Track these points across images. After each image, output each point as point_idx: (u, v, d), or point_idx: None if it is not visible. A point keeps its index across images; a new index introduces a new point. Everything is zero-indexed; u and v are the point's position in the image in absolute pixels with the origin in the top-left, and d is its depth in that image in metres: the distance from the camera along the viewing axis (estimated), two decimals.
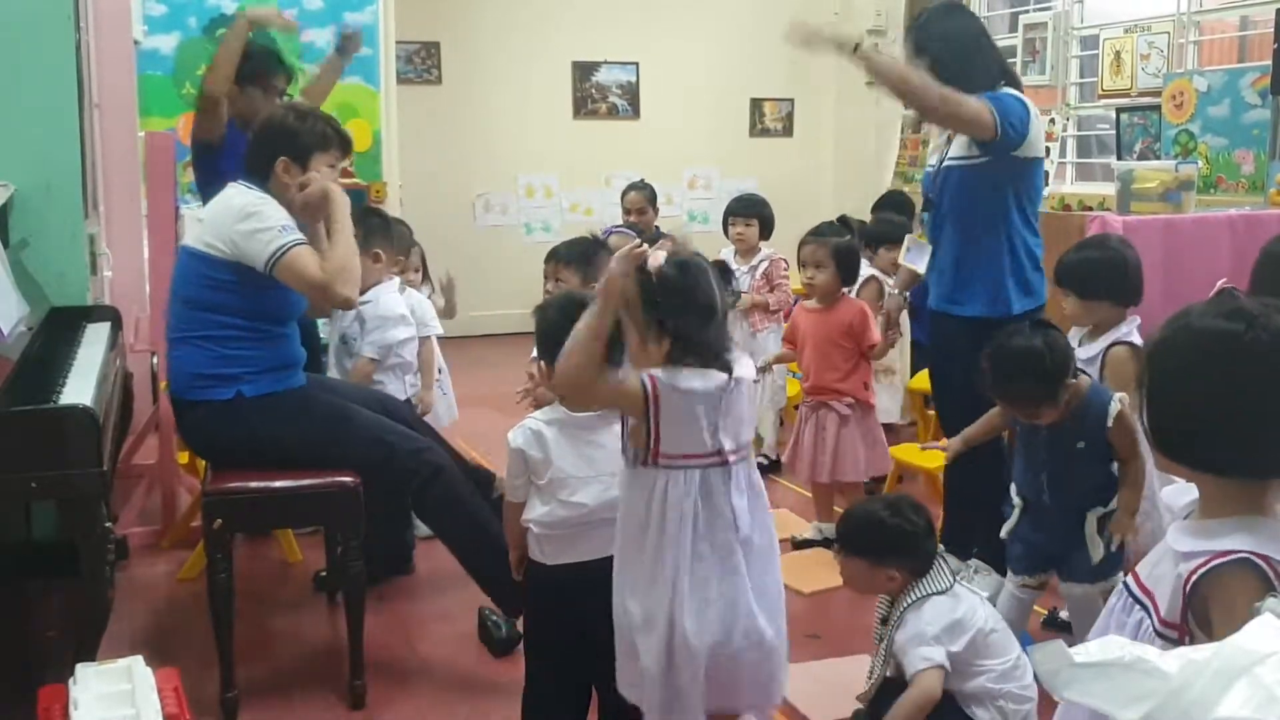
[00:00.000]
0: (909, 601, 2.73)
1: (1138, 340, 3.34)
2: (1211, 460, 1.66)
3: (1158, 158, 6.40)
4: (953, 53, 3.62)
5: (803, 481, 4.48)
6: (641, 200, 6.23)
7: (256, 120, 4.11)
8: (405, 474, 3.26)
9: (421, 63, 8.67)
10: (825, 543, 4.37)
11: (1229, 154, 6.17)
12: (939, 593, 2.73)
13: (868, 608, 3.89)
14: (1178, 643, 1.67)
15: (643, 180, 6.46)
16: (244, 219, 3.11)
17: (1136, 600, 1.75)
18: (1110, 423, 3.02)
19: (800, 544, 4.37)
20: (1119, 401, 3.03)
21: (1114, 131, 6.99)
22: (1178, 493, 1.87)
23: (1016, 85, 3.74)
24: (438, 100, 8.65)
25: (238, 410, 3.15)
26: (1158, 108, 6.58)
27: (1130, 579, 1.77)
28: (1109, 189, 5.84)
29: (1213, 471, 1.67)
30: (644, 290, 2.28)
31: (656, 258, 2.28)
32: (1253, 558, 1.58)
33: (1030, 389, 2.99)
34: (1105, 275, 3.40)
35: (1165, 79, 6.56)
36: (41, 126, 3.76)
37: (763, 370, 4.69)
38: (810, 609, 3.81)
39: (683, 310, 2.30)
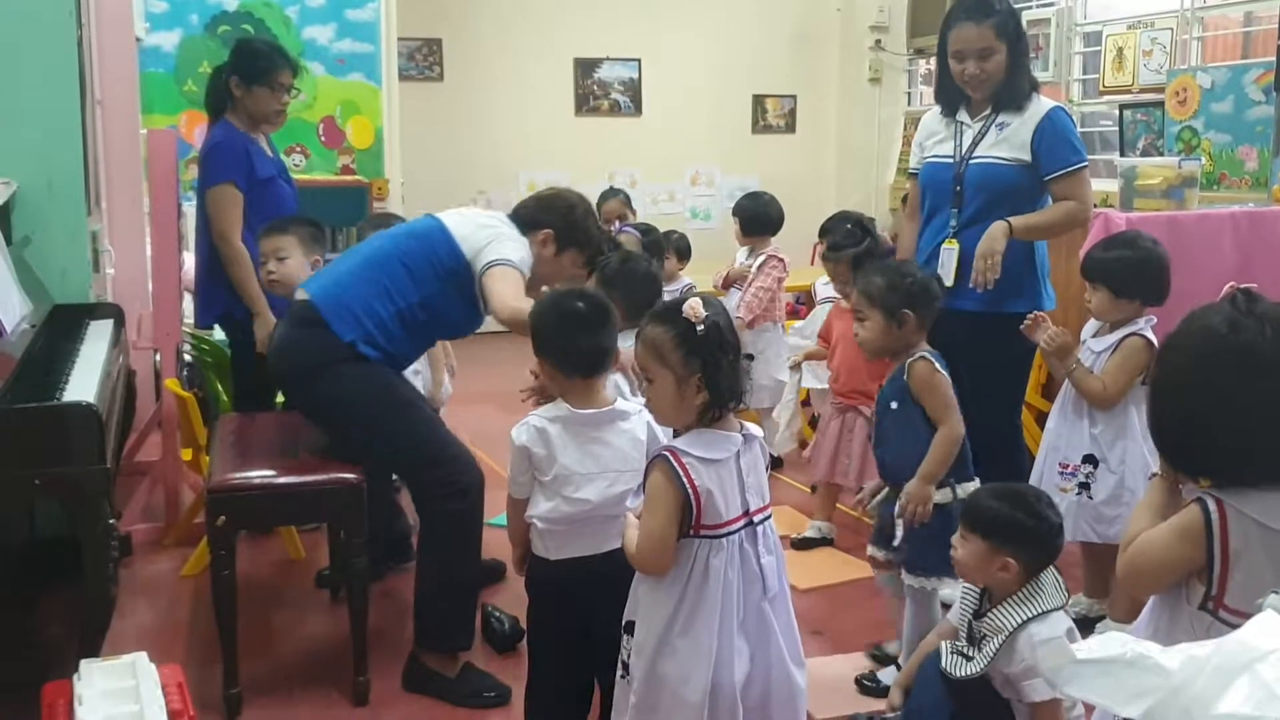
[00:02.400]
0: (1030, 611, 2.57)
1: (1152, 336, 3.37)
2: (1209, 467, 1.66)
3: (1161, 154, 6.39)
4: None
5: (818, 480, 4.46)
6: (620, 207, 6.16)
7: (268, 118, 4.25)
8: (442, 483, 3.21)
9: (423, 60, 8.67)
10: (825, 541, 4.41)
11: (1232, 150, 6.16)
12: (1058, 608, 2.59)
13: (867, 604, 3.91)
14: None
15: (612, 188, 6.36)
16: (504, 238, 3.30)
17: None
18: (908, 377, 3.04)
19: (800, 543, 4.37)
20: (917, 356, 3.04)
21: (1117, 128, 6.99)
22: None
23: (951, 110, 3.83)
24: (440, 97, 8.65)
25: (340, 353, 3.20)
26: (1161, 104, 6.57)
27: None
28: (1112, 186, 5.82)
29: (1211, 478, 1.67)
30: (685, 342, 2.28)
31: (697, 308, 2.27)
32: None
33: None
34: (1141, 274, 3.43)
35: (1168, 75, 6.56)
36: (44, 124, 3.77)
37: (794, 368, 4.68)
38: (811, 606, 3.81)
39: (721, 357, 2.30)
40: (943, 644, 2.72)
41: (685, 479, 2.24)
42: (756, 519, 2.34)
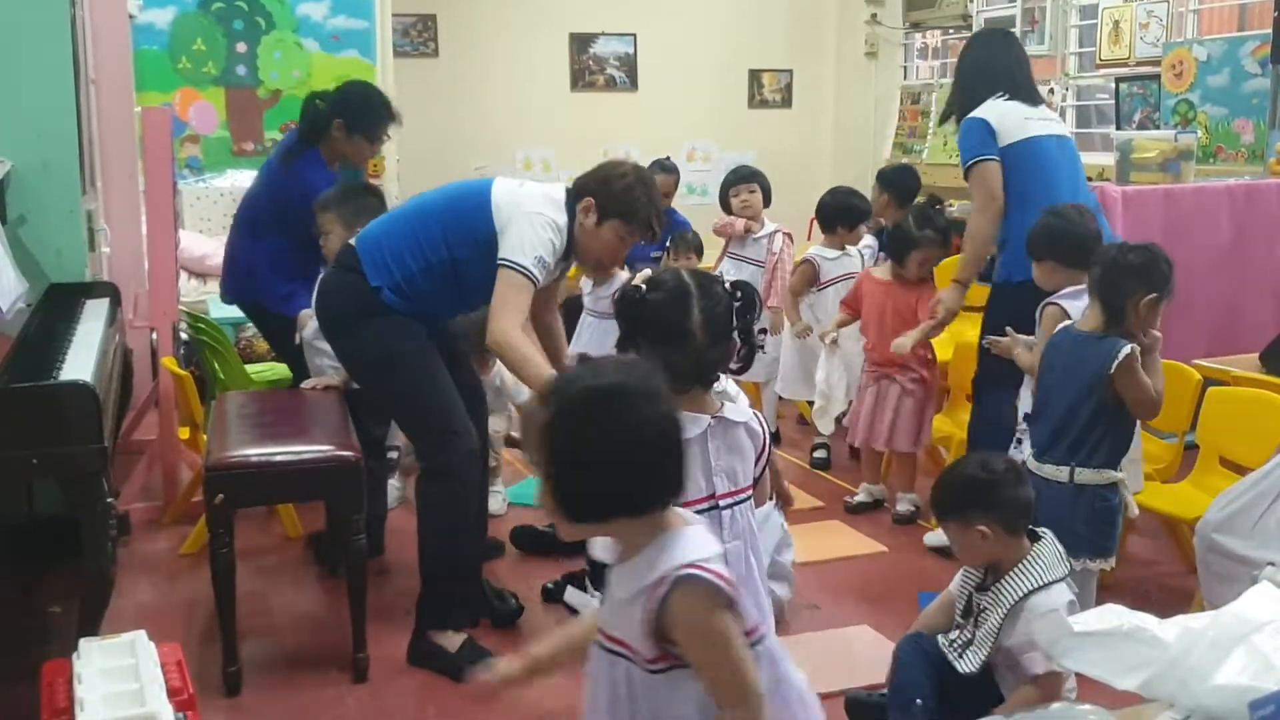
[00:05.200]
0: (1032, 582, 2.58)
1: (1065, 304, 3.48)
2: (615, 508, 1.70)
3: (1157, 127, 6.37)
4: (967, 74, 4.29)
5: (859, 442, 4.59)
6: (666, 182, 5.98)
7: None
8: (426, 457, 3.30)
9: (418, 35, 8.63)
10: (876, 504, 4.58)
11: (1228, 123, 6.14)
12: (1060, 579, 2.61)
13: (865, 578, 3.92)
14: (666, 672, 1.71)
15: (658, 160, 6.22)
16: (531, 218, 3.17)
17: (615, 653, 1.76)
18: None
19: (854, 508, 4.54)
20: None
21: (1113, 101, 6.96)
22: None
23: (1024, 96, 4.17)
24: (435, 73, 8.61)
25: (368, 300, 3.21)
26: (1157, 77, 6.54)
27: (600, 638, 1.80)
28: (1108, 159, 5.82)
29: (622, 515, 1.71)
30: (627, 323, 2.36)
31: (642, 277, 2.36)
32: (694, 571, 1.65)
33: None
34: (1051, 240, 3.60)
35: (1164, 48, 6.53)
36: (38, 103, 3.76)
37: (833, 341, 4.66)
38: (809, 580, 3.82)
39: (645, 333, 2.35)
40: (940, 639, 2.72)
41: None
42: (723, 503, 2.33)
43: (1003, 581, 2.62)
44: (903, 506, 4.46)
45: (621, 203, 3.22)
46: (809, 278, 5.16)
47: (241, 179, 6.49)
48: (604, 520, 1.72)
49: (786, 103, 9.66)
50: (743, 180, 5.46)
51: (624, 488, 1.68)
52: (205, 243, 6.27)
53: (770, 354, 5.11)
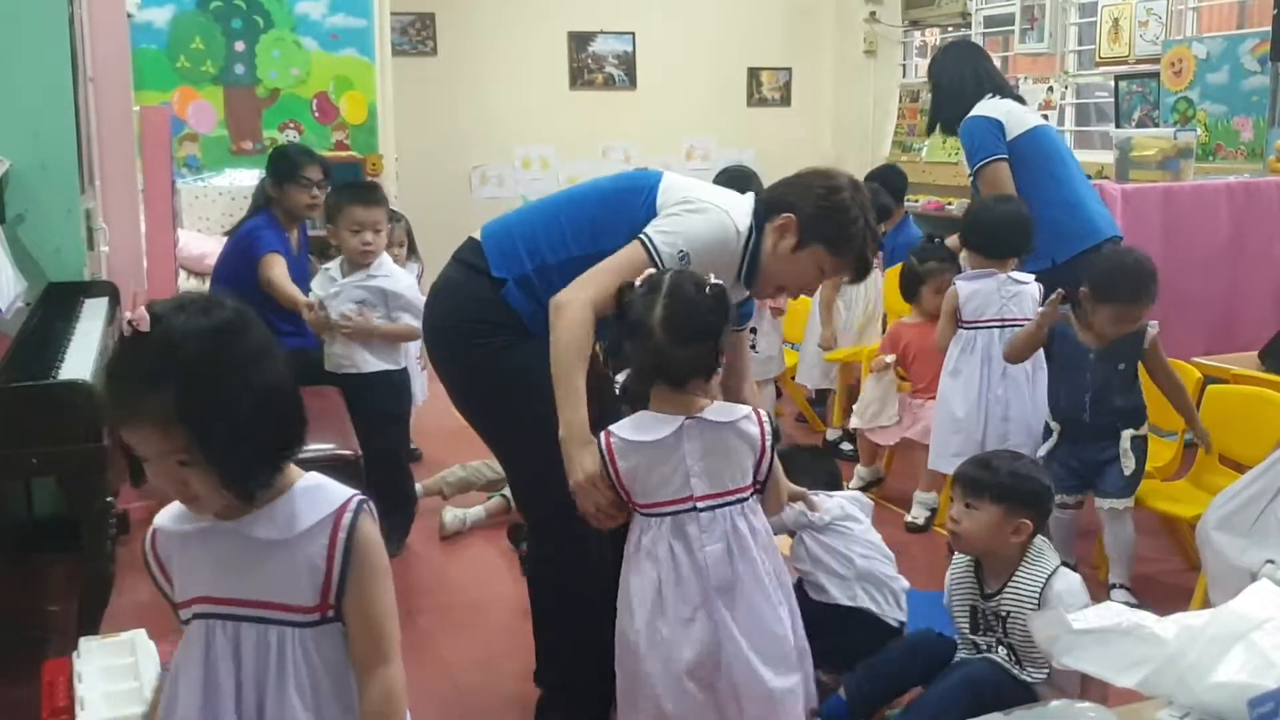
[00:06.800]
0: (1045, 570, 2.61)
1: (958, 282, 4.01)
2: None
3: (1156, 125, 6.37)
4: (950, 81, 4.52)
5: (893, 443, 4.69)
6: None
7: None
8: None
9: (417, 34, 8.62)
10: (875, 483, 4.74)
11: (1228, 121, 6.14)
12: (1061, 565, 2.67)
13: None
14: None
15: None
16: (704, 208, 2.60)
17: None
18: (1146, 345, 3.49)
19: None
20: (1153, 327, 3.49)
21: (1112, 99, 6.96)
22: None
23: (1010, 95, 4.44)
24: (433, 72, 8.60)
25: (482, 304, 2.65)
26: (1156, 75, 6.54)
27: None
28: (1107, 157, 5.82)
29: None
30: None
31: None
32: None
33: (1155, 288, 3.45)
34: (971, 228, 4.01)
35: (1164, 46, 6.53)
36: (36, 101, 3.75)
37: (883, 369, 4.68)
38: None
39: (622, 331, 2.40)
40: (989, 660, 2.67)
41: (609, 458, 2.36)
42: (701, 505, 2.33)
43: (1016, 580, 2.64)
44: (916, 512, 4.42)
45: (833, 226, 2.61)
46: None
47: (240, 178, 6.50)
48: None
49: (785, 101, 9.66)
50: (732, 183, 5.45)
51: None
52: (204, 241, 6.26)
53: (763, 353, 5.10)
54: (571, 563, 2.64)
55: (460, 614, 3.62)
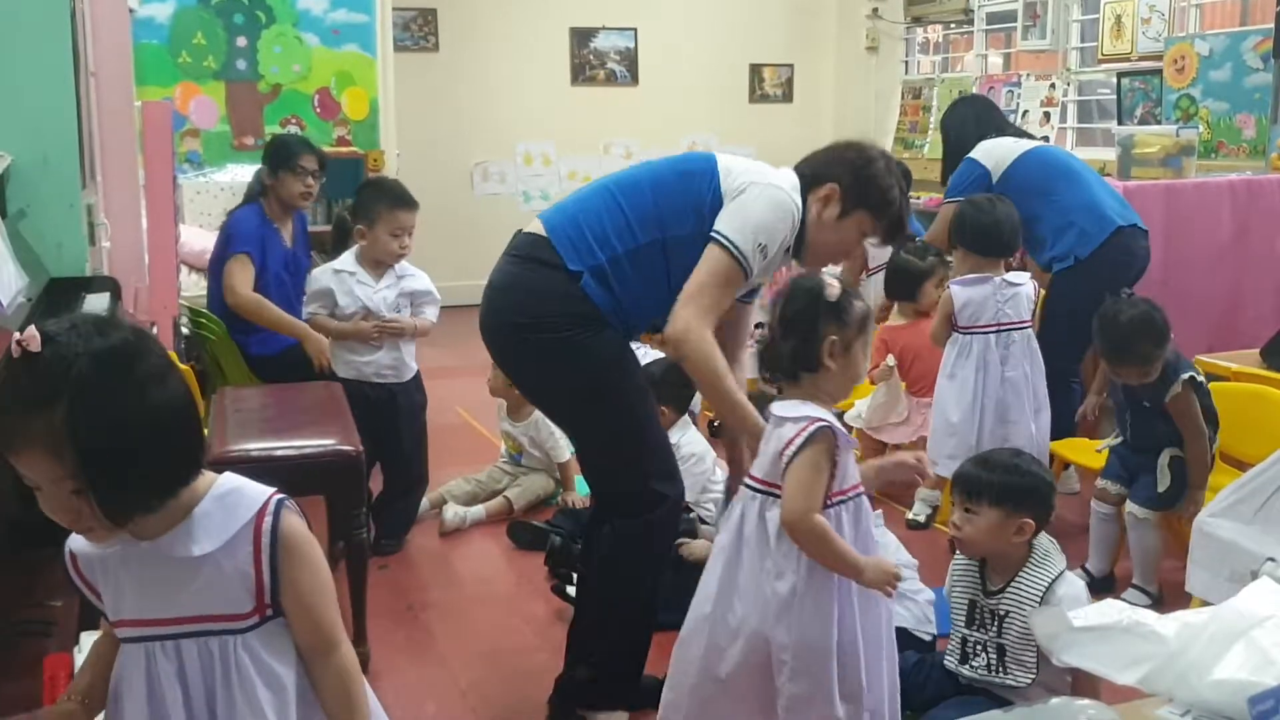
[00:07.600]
0: (1050, 573, 2.60)
1: (954, 289, 4.00)
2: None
3: (1159, 122, 6.36)
4: (956, 132, 4.76)
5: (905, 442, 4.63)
6: None
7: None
8: (640, 504, 2.76)
9: (419, 30, 8.62)
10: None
11: (1230, 118, 6.14)
12: (1065, 569, 2.64)
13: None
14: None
15: None
16: (770, 192, 2.69)
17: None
18: (1168, 397, 3.48)
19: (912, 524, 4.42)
20: (1183, 383, 3.45)
21: (1115, 96, 6.96)
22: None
23: (1010, 133, 4.67)
24: (435, 68, 8.61)
25: (559, 296, 2.66)
26: (1159, 72, 6.54)
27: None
28: (1110, 154, 5.82)
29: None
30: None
31: (835, 286, 2.37)
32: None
33: (1147, 350, 3.43)
34: (965, 228, 4.05)
35: (1166, 43, 6.53)
36: (38, 96, 3.75)
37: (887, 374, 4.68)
38: None
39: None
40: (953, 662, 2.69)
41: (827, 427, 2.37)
42: (754, 484, 2.40)
43: (1020, 581, 2.62)
44: (918, 509, 4.41)
45: (874, 190, 2.73)
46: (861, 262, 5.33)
47: (241, 173, 6.50)
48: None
49: (787, 97, 9.66)
50: None
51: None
52: (205, 237, 6.25)
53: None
54: (638, 550, 2.75)
55: (461, 609, 3.63)
